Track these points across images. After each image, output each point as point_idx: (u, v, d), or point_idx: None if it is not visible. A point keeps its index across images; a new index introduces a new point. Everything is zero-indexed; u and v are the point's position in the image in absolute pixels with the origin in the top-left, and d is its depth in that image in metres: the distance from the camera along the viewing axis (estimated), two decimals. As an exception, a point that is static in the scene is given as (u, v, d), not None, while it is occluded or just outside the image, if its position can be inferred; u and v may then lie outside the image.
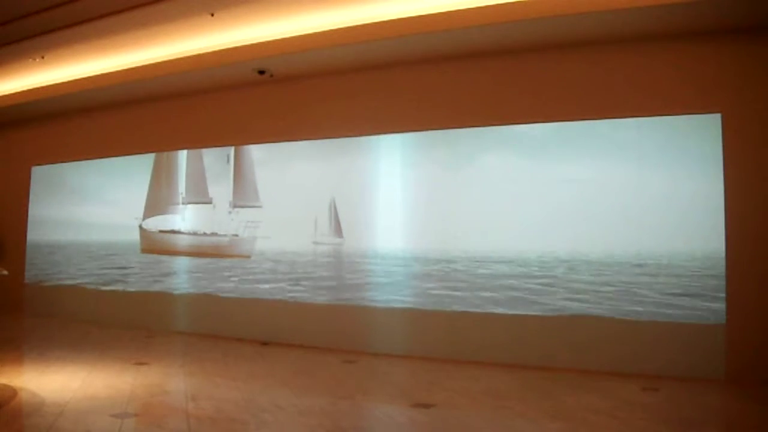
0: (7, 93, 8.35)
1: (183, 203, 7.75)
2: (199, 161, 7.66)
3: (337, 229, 6.71)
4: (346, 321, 6.52)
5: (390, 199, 6.49)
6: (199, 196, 7.49)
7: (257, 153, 7.42)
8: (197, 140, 7.70)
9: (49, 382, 4.54)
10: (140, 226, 8.07)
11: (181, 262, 7.77)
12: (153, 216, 7.99)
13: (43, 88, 8.00)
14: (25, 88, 8.18)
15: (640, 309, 5.31)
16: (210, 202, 7.40)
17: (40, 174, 9.26)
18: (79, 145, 8.74)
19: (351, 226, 6.70)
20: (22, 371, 5.00)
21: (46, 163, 9.17)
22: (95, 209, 8.68)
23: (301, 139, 7.00)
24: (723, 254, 5.07)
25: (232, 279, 7.30)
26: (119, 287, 8.15)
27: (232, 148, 7.45)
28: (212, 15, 5.94)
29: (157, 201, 7.96)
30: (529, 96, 5.86)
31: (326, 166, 6.86)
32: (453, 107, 6.17)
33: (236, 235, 7.23)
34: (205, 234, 7.53)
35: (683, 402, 4.42)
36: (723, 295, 5.06)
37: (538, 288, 5.73)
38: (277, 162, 7.25)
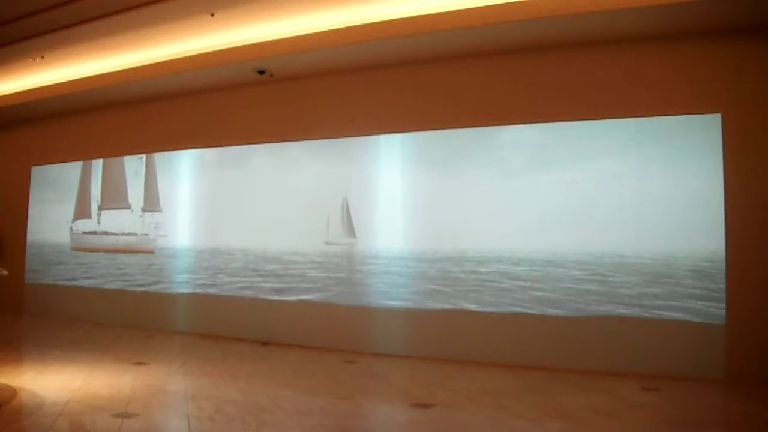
0: (7, 93, 8.35)
1: (102, 208, 8.57)
2: (119, 168, 8.47)
3: (350, 230, 6.71)
4: (346, 321, 6.51)
5: (391, 200, 6.47)
6: (119, 201, 8.43)
7: (253, 150, 7.43)
8: (197, 140, 7.69)
9: (49, 382, 4.53)
10: (71, 228, 8.81)
11: (183, 262, 7.79)
12: (80, 219, 8.78)
13: (43, 88, 8.00)
14: (25, 88, 8.18)
15: (639, 309, 5.31)
16: (129, 207, 8.37)
17: (40, 174, 9.27)
18: (79, 145, 8.74)
19: (354, 227, 6.69)
20: (22, 371, 5.00)
21: (46, 163, 9.17)
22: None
23: (300, 140, 7.00)
24: (723, 254, 5.07)
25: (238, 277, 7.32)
26: (121, 286, 8.17)
27: (143, 161, 8.21)
28: (212, 15, 5.95)
29: (83, 205, 8.76)
30: (528, 96, 5.86)
31: (333, 166, 6.83)
32: (453, 107, 6.16)
33: (147, 235, 8.17)
34: (120, 234, 8.42)
35: (683, 402, 4.42)
36: (723, 295, 5.07)
37: (537, 288, 5.72)
38: (281, 162, 7.24)
